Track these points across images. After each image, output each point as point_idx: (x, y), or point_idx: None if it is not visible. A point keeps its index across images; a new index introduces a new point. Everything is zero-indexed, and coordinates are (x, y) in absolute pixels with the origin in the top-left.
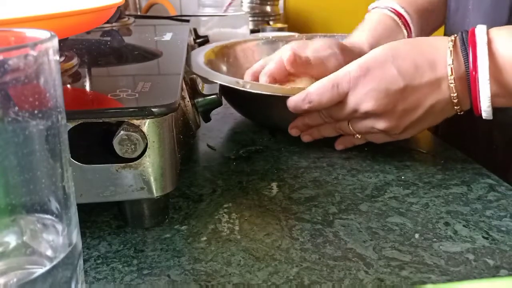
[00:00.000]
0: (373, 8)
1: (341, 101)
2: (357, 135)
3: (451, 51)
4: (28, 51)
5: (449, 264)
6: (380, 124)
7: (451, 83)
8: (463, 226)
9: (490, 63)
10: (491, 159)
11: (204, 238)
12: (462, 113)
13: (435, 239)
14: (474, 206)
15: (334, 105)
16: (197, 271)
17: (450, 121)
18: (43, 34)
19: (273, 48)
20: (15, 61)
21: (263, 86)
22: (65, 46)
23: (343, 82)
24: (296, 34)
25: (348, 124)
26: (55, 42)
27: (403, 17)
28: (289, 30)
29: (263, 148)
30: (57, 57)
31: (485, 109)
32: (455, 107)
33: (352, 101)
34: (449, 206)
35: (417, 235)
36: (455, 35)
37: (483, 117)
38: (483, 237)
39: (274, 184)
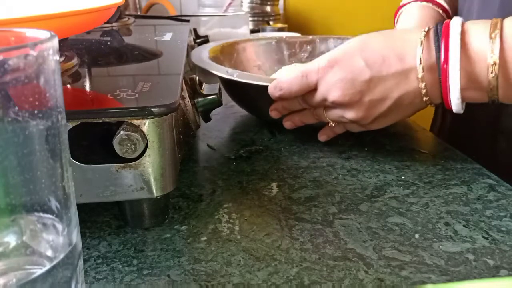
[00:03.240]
0: (408, 3)
1: (313, 89)
2: (331, 123)
3: (421, 41)
4: (28, 51)
5: (449, 264)
6: (349, 114)
7: (420, 72)
8: (463, 226)
9: (462, 54)
10: (491, 159)
11: (204, 238)
12: (433, 106)
13: (435, 239)
14: (474, 206)
15: (307, 93)
16: (197, 271)
17: (452, 122)
18: (43, 34)
19: (281, 48)
20: (15, 61)
21: (250, 76)
22: (65, 46)
23: (312, 73)
24: (296, 34)
25: (324, 112)
26: (55, 42)
27: (442, 6)
28: (289, 30)
29: (263, 148)
30: (57, 57)
31: (455, 101)
32: (424, 99)
33: (321, 90)
34: (449, 206)
35: (417, 235)
36: (430, 26)
37: (454, 111)
38: (483, 237)
39: (274, 184)
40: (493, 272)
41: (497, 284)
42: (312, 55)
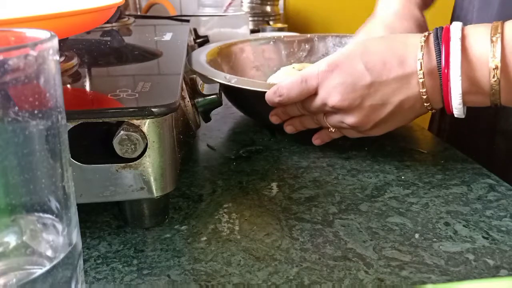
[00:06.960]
0: None
1: (312, 94)
2: (331, 128)
3: (422, 45)
4: (28, 51)
5: (449, 264)
6: (349, 119)
7: (420, 77)
8: (463, 226)
9: (463, 59)
10: (491, 159)
11: (204, 238)
12: (433, 111)
13: (435, 239)
14: (474, 206)
15: (306, 98)
16: (197, 271)
17: (451, 122)
18: (43, 34)
19: (279, 47)
20: (15, 61)
21: (248, 82)
22: (65, 46)
23: (311, 77)
24: (296, 34)
25: (324, 117)
26: (55, 42)
27: None
28: (289, 30)
29: (263, 148)
30: (57, 57)
31: (456, 107)
32: (425, 104)
33: (321, 95)
34: (449, 206)
35: (417, 235)
36: (429, 31)
37: (455, 115)
38: (483, 237)
39: (274, 184)
40: (493, 272)
41: (497, 284)
42: (310, 54)
